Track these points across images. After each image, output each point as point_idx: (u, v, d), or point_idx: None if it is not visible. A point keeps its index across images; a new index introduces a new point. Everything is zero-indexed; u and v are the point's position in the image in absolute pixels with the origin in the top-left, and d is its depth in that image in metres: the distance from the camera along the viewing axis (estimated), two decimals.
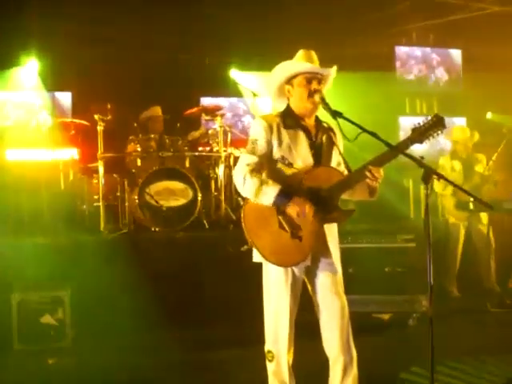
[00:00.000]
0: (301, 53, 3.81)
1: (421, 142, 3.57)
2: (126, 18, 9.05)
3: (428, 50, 11.80)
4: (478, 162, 7.76)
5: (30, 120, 9.27)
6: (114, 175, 7.78)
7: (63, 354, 5.62)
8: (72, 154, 8.27)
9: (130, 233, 7.18)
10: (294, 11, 9.35)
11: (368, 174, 3.58)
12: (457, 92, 11.63)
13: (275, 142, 3.70)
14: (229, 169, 7.93)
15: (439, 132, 3.56)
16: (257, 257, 3.73)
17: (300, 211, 3.52)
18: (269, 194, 3.55)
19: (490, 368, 5.01)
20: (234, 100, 11.14)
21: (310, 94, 3.69)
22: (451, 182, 3.71)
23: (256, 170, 3.65)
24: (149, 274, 6.16)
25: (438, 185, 7.38)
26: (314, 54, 3.82)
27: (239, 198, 7.68)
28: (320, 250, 3.72)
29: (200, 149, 8.45)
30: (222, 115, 8.18)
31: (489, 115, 10.65)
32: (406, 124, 10.74)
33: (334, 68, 3.81)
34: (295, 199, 3.53)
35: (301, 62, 3.77)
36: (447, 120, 3.61)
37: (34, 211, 7.65)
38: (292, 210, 3.53)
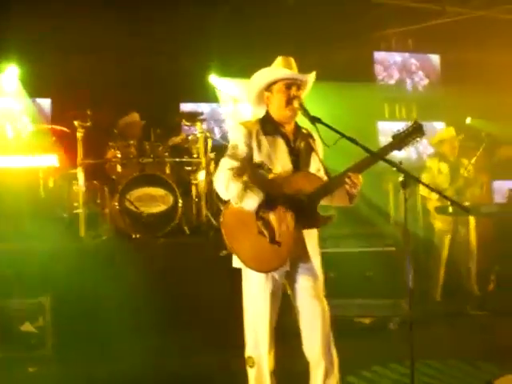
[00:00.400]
0: (279, 59, 3.83)
1: (400, 148, 3.60)
2: (106, 24, 9.00)
3: (407, 55, 11.88)
4: (463, 165, 7.81)
5: (9, 126, 9.19)
6: (94, 182, 7.74)
7: (44, 362, 5.57)
8: (52, 160, 8.20)
9: (111, 239, 7.13)
10: (274, 18, 9.36)
11: (347, 180, 3.60)
12: (436, 97, 11.68)
13: (255, 148, 3.71)
14: (209, 175, 7.92)
15: (418, 139, 3.60)
16: (236, 262, 3.73)
17: (282, 222, 3.53)
18: (253, 199, 3.54)
19: (468, 370, 5.06)
20: (215, 105, 11.12)
21: (289, 101, 3.71)
22: (428, 186, 3.74)
23: (238, 174, 3.64)
24: (129, 280, 6.13)
25: (423, 189, 7.41)
26: (292, 60, 3.84)
27: (220, 204, 7.67)
28: (299, 254, 3.73)
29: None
30: (202, 121, 8.17)
31: (468, 120, 10.74)
32: (385, 129, 10.78)
33: (313, 74, 3.83)
34: (279, 209, 3.54)
35: (280, 68, 3.79)
36: (427, 125, 3.64)
37: (14, 218, 7.59)
38: (274, 220, 3.54)
